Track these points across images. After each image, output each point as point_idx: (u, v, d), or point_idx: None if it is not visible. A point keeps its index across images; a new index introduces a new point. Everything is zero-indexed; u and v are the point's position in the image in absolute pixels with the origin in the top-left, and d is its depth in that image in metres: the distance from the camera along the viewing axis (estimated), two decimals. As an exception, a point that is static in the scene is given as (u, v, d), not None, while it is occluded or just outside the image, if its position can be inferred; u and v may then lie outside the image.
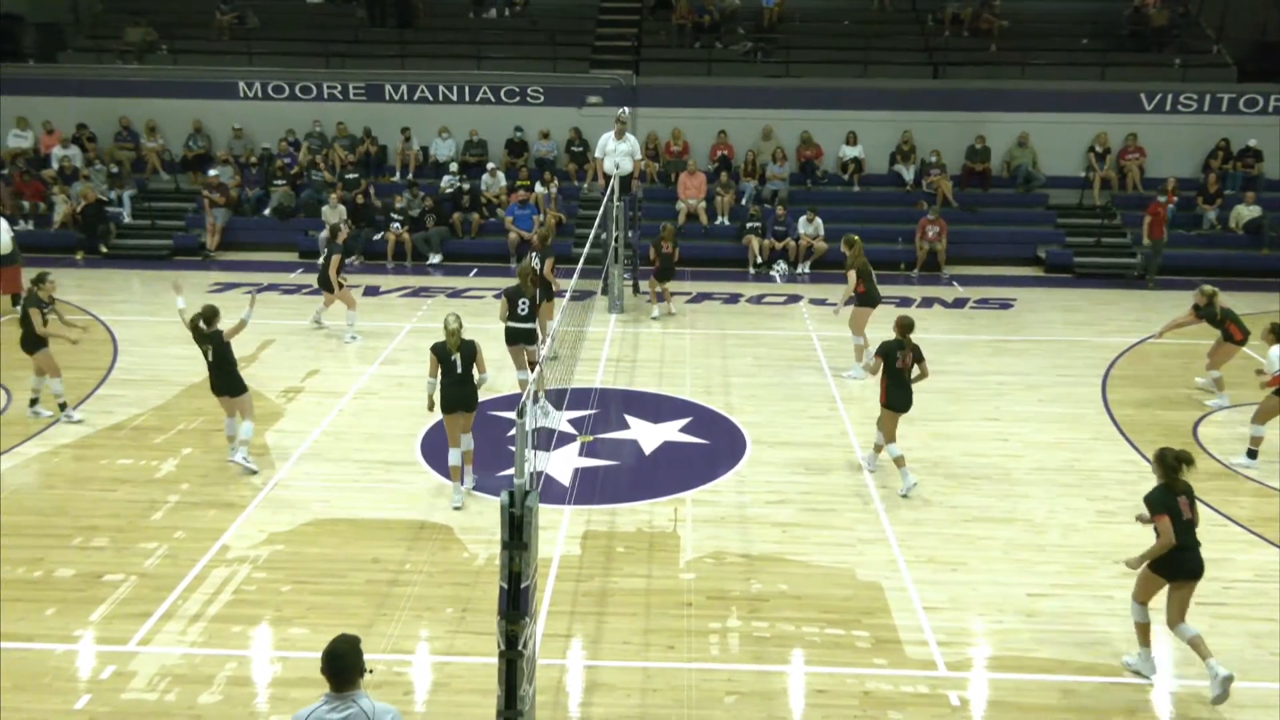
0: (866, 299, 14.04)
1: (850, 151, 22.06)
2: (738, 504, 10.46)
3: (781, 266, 20.34)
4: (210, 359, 10.80)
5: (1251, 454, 11.51)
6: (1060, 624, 8.42)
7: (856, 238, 14.18)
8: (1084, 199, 21.85)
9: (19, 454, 11.39)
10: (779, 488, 10.82)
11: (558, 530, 9.77)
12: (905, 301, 18.29)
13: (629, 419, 12.62)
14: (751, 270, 20.34)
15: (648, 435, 12.14)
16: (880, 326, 13.34)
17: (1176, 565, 7.49)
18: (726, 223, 21.11)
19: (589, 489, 10.70)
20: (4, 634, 8.07)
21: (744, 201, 21.30)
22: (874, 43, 23.08)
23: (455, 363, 10.07)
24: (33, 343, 12.06)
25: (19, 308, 11.89)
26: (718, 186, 21.27)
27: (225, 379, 10.87)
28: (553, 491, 10.48)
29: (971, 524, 10.08)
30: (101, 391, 13.32)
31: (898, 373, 10.52)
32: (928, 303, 18.34)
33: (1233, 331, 12.89)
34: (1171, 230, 20.86)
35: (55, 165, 21.74)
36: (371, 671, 5.09)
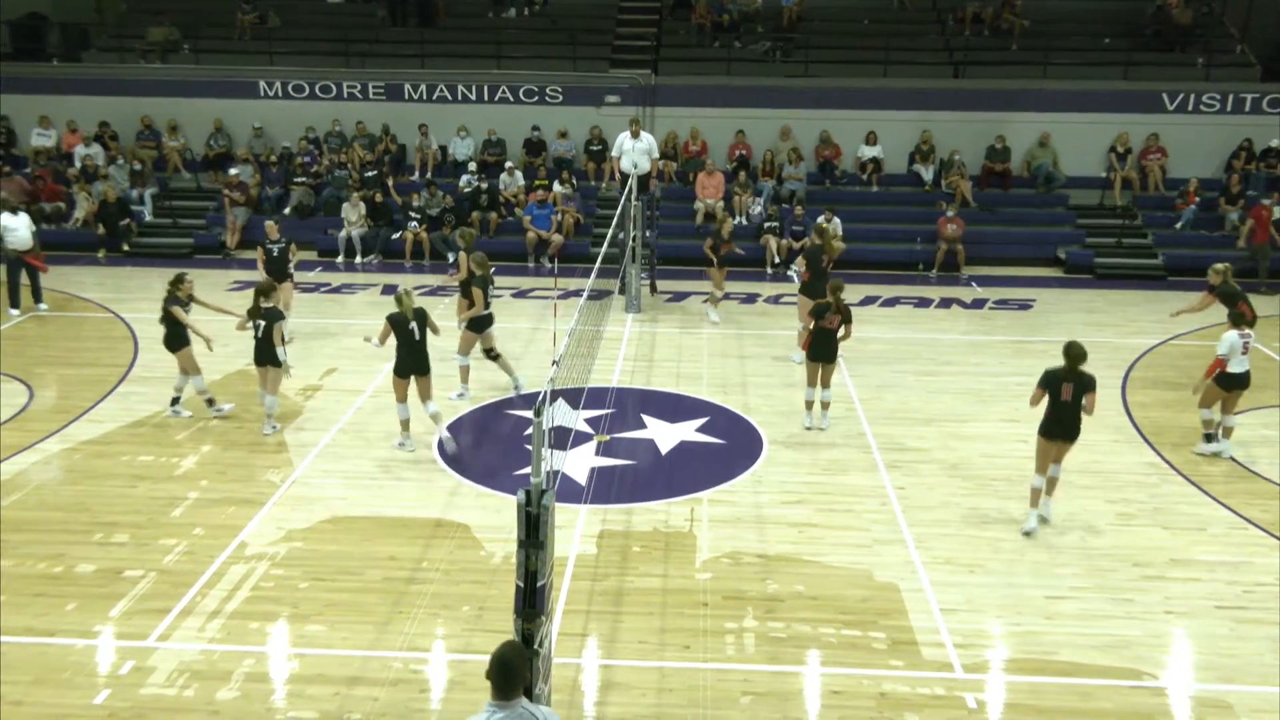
0: (808, 289, 14.19)
1: (869, 151, 21.98)
2: (754, 504, 10.45)
3: (799, 266, 20.25)
4: (259, 335, 11.59)
5: (1208, 437, 11.84)
6: (1078, 626, 8.37)
7: (825, 224, 14.55)
8: (1105, 199, 21.71)
9: (41, 450, 11.48)
10: (795, 488, 10.80)
11: (574, 529, 9.78)
12: (924, 302, 18.23)
13: (646, 418, 12.62)
14: (769, 270, 20.30)
15: (664, 435, 12.13)
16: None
17: (1045, 428, 9.73)
18: (744, 222, 21.07)
19: (605, 488, 10.71)
20: (25, 628, 8.14)
21: (762, 201, 21.25)
22: (894, 42, 22.99)
23: (413, 330, 11.11)
24: (176, 342, 12.20)
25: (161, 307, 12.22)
26: (736, 186, 21.24)
27: (269, 352, 11.63)
28: (569, 490, 10.49)
29: (990, 526, 10.03)
30: (122, 389, 13.42)
31: (824, 331, 11.96)
32: (946, 303, 18.26)
33: (1244, 310, 12.68)
34: (1193, 232, 20.75)
35: (78, 164, 21.93)
36: (530, 683, 4.88)
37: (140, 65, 23.24)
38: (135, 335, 15.62)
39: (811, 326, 12.09)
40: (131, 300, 17.54)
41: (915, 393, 13.60)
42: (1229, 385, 11.60)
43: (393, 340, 11.27)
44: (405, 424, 11.55)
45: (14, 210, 16.93)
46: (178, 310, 12.14)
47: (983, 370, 14.52)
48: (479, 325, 12.92)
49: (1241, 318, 11.76)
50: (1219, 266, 13.34)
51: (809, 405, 12.37)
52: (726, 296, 18.21)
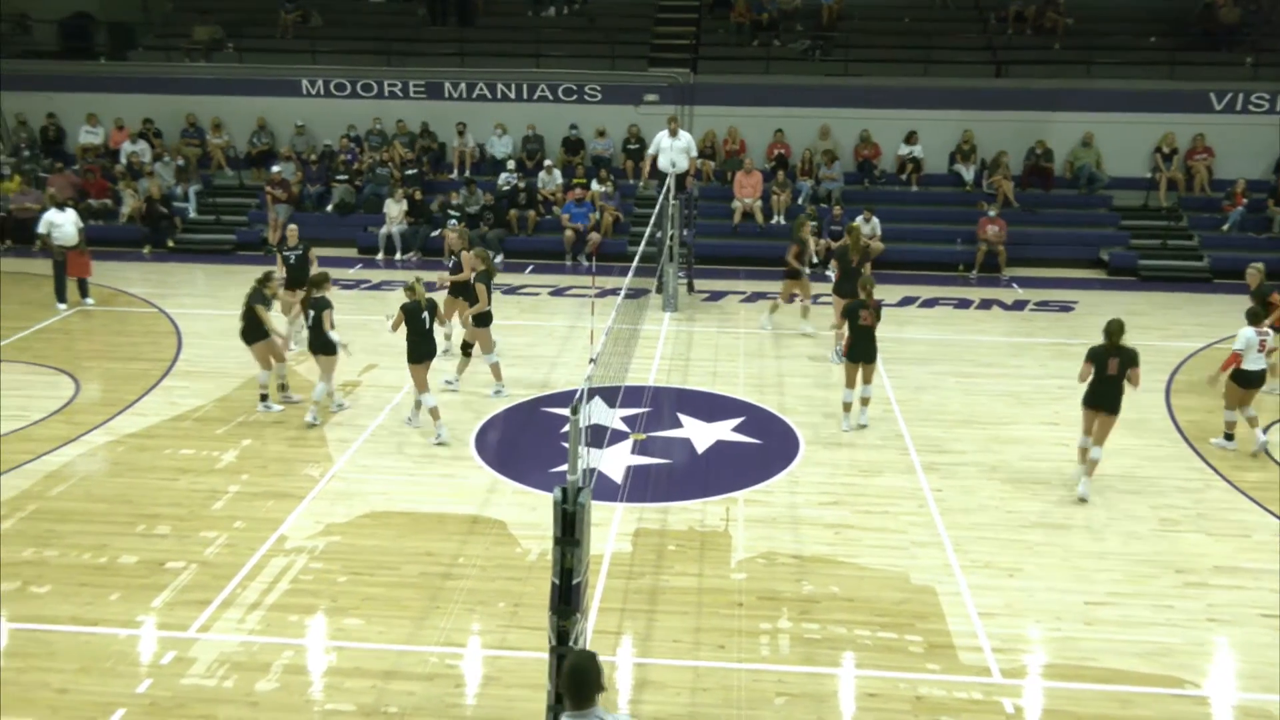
0: (839, 288, 14.36)
1: (909, 151, 21.80)
2: (790, 504, 10.41)
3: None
4: (309, 324, 12.03)
5: (1229, 436, 11.94)
6: (1119, 633, 8.26)
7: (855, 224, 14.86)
8: (1149, 200, 21.39)
9: (86, 442, 11.68)
10: (832, 489, 10.75)
11: (609, 527, 9.80)
12: (964, 303, 18.07)
13: (682, 418, 12.61)
14: (807, 270, 20.13)
15: (701, 434, 12.12)
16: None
17: (1088, 398, 10.43)
18: (782, 222, 20.98)
19: (641, 487, 10.71)
20: (71, 617, 8.29)
21: (800, 200, 21.16)
22: (935, 41, 22.80)
23: (425, 319, 11.52)
24: (252, 335, 12.40)
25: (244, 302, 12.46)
26: (774, 185, 21.15)
27: (321, 340, 12.04)
28: (605, 489, 10.51)
29: (1029, 529, 9.93)
30: (166, 383, 13.61)
31: (862, 330, 12.00)
32: (986, 304, 18.08)
33: (1275, 301, 12.57)
34: (1240, 234, 20.40)
35: (124, 160, 22.25)
36: (604, 690, 4.79)
37: (185, 64, 23.57)
38: (179, 330, 15.84)
39: (845, 328, 12.10)
40: (175, 296, 17.80)
41: (954, 394, 13.48)
42: (1246, 383, 11.60)
43: (403, 332, 11.63)
44: (435, 412, 11.75)
45: (60, 206, 17.22)
46: (260, 308, 12.34)
47: (1023, 373, 14.37)
48: (485, 320, 12.93)
49: (1258, 315, 11.73)
50: (1258, 265, 13.24)
51: (846, 407, 12.30)
52: (762, 296, 18.12)
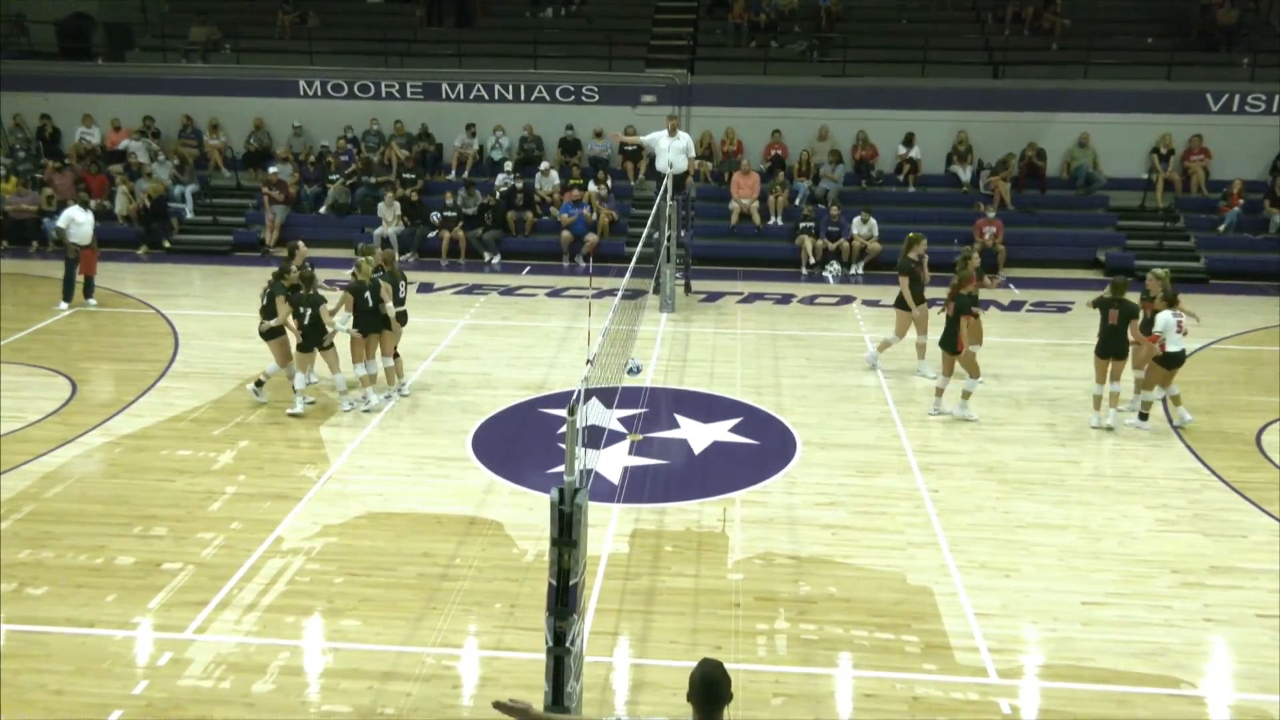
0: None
1: (906, 151, 21.82)
2: (787, 505, 10.41)
3: (835, 267, 20.19)
4: (305, 323, 12.17)
5: (1143, 416, 12.44)
6: (1116, 633, 8.27)
7: (911, 235, 14.28)
8: (1146, 201, 21.41)
9: (83, 443, 11.67)
10: (829, 490, 10.75)
11: (606, 528, 9.80)
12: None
13: (679, 418, 12.61)
14: (804, 271, 20.22)
15: (697, 435, 12.12)
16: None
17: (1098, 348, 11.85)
18: (780, 223, 21.00)
19: (638, 487, 10.71)
20: (67, 619, 8.27)
21: (797, 201, 21.18)
22: (932, 41, 22.82)
23: (368, 298, 12.15)
24: (272, 331, 12.54)
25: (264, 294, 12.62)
26: (771, 186, 21.17)
27: (319, 336, 12.27)
28: (602, 489, 10.51)
29: (1026, 530, 9.94)
30: (162, 384, 13.60)
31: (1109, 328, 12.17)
32: (983, 305, 18.04)
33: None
34: (1237, 234, 20.43)
35: (127, 157, 22.17)
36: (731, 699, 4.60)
37: (182, 64, 23.58)
38: (176, 331, 15.83)
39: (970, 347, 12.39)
40: (172, 296, 17.78)
41: (950, 394, 13.48)
42: (1169, 364, 12.08)
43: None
44: (368, 380, 12.51)
45: (85, 205, 17.15)
46: (280, 300, 12.41)
47: (1019, 373, 14.37)
48: (366, 328, 12.59)
49: (1173, 299, 12.15)
50: (1159, 273, 12.51)
51: (1097, 402, 12.55)
52: (760, 298, 18.12)
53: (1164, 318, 11.93)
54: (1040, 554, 9.49)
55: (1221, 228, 20.60)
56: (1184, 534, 9.92)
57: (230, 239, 21.32)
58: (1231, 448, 11.92)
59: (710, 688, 4.49)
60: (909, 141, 21.77)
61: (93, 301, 17.02)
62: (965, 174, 21.70)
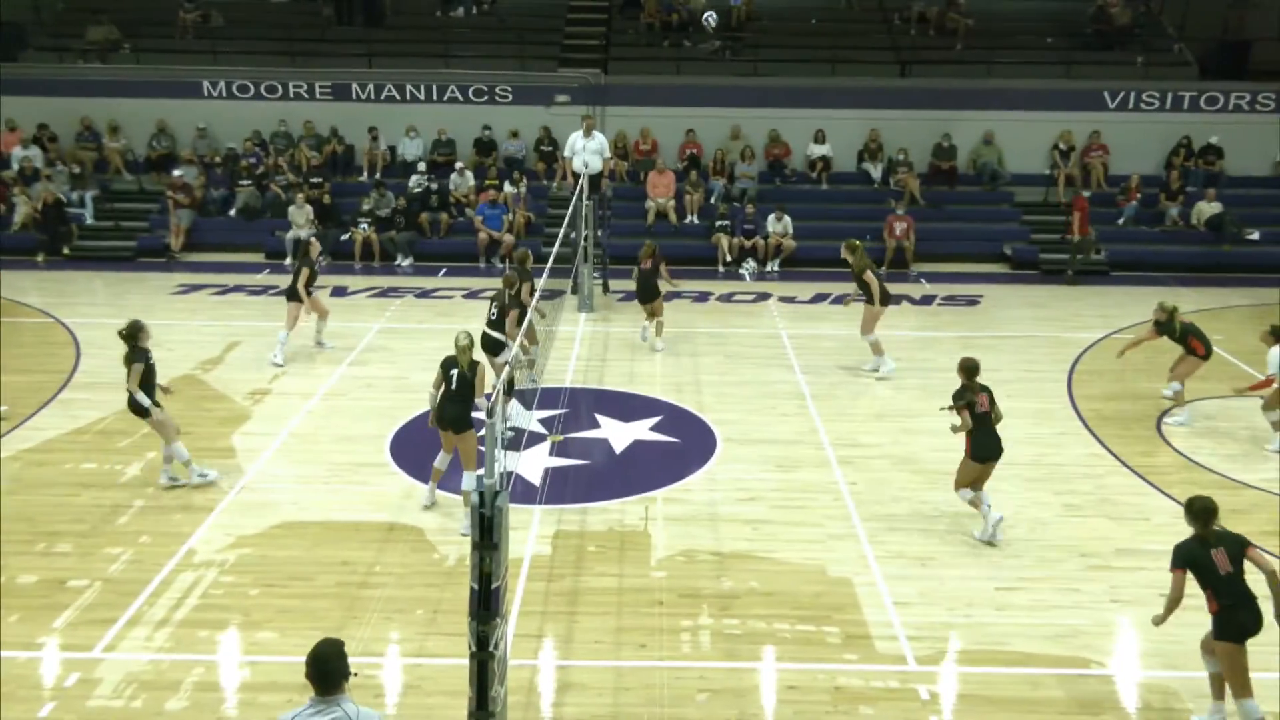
0: (869, 299, 14.21)
1: (818, 150, 22.13)
2: (708, 502, 10.48)
3: (751, 265, 20.38)
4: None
5: None
6: (1028, 617, 8.50)
7: (858, 242, 14.38)
8: (1049, 196, 22.05)
9: (-20, 459, 11.22)
10: (749, 485, 10.85)
11: (528, 530, 9.75)
12: (874, 299, 18.35)
13: (599, 418, 12.61)
14: (721, 268, 20.36)
15: (618, 434, 12.13)
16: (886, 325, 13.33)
17: (1227, 625, 6.80)
18: (696, 221, 21.12)
19: (559, 488, 10.68)
20: (-35, 642, 7.95)
21: (713, 200, 21.33)
22: (841, 41, 23.17)
23: (452, 377, 9.63)
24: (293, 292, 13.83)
25: None
26: (687, 185, 21.29)
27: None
28: (523, 491, 10.45)
29: (940, 519, 10.15)
30: (64, 395, 13.14)
31: (983, 417, 9.54)
32: (895, 299, 18.39)
33: (1195, 346, 12.60)
34: (1134, 227, 21.14)
35: (15, 166, 21.42)
36: (356, 674, 5.06)
37: (79, 65, 22.74)
38: (77, 340, 15.29)
39: (968, 424, 9.56)
40: (73, 305, 17.18)
41: (866, 388, 13.72)
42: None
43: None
44: (438, 474, 10.21)
45: None
46: (305, 268, 13.89)
47: (931, 366, 14.67)
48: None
49: (1194, 353, 12.33)
50: (1166, 305, 12.79)
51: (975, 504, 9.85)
52: (677, 296, 18.15)
53: (1277, 354, 11.55)
54: (954, 542, 9.71)
55: (1120, 221, 21.30)
56: (1091, 519, 10.24)
57: (134, 244, 20.68)
58: (1132, 433, 12.33)
59: (319, 664, 4.93)
60: (820, 139, 22.08)
61: None
62: (876, 171, 22.08)
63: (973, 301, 18.36)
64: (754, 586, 8.90)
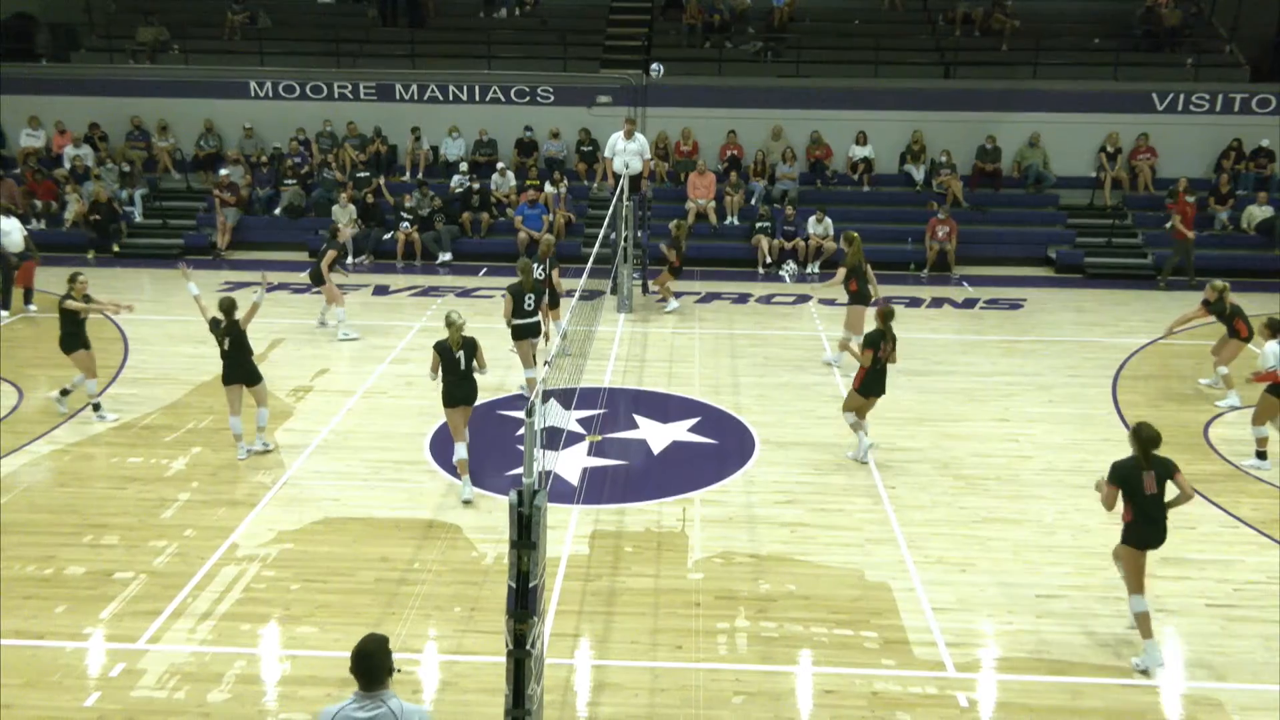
0: (859, 297, 14.02)
1: (860, 151, 22.00)
2: (746, 504, 10.45)
3: (791, 266, 20.22)
4: (227, 348, 11.01)
5: (1260, 455, 11.47)
6: (1070, 625, 8.39)
7: (856, 235, 14.23)
8: (1095, 199, 21.76)
9: (30, 452, 11.44)
10: (787, 488, 10.81)
11: (566, 529, 9.77)
12: (915, 301, 18.26)
13: (638, 419, 12.62)
14: (761, 270, 20.31)
15: (656, 435, 12.13)
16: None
17: (1133, 533, 7.85)
18: (736, 222, 21.09)
19: (597, 488, 10.70)
20: (15, 631, 8.10)
21: (753, 201, 21.28)
22: (885, 42, 23.03)
23: (459, 359, 10.24)
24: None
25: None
26: (727, 186, 21.25)
27: (243, 367, 11.15)
28: (561, 491, 10.49)
29: (981, 525, 10.05)
30: (112, 390, 13.37)
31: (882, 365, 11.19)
32: (937, 303, 18.29)
33: (1239, 327, 12.92)
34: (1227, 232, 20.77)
35: (67, 164, 21.85)
36: (400, 670, 5.08)
37: (129, 65, 23.16)
38: (125, 336, 15.57)
39: (868, 362, 11.06)
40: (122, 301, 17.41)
41: (906, 392, 13.60)
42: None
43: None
44: (464, 465, 10.42)
45: (6, 213, 16.91)
46: (331, 252, 14.07)
47: (974, 370, 14.54)
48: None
49: (1237, 334, 12.20)
50: (1217, 284, 13.22)
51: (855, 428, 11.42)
52: (716, 297, 18.15)
53: (1272, 348, 11.24)
54: (995, 548, 9.61)
55: (1168, 225, 20.94)
56: (1135, 526, 10.07)
57: (181, 242, 21.01)
58: (1178, 441, 12.12)
59: (364, 660, 4.86)
60: (862, 141, 21.96)
61: (32, 307, 16.72)
62: (919, 173, 21.92)
63: (1016, 305, 18.16)
64: (791, 589, 8.86)
